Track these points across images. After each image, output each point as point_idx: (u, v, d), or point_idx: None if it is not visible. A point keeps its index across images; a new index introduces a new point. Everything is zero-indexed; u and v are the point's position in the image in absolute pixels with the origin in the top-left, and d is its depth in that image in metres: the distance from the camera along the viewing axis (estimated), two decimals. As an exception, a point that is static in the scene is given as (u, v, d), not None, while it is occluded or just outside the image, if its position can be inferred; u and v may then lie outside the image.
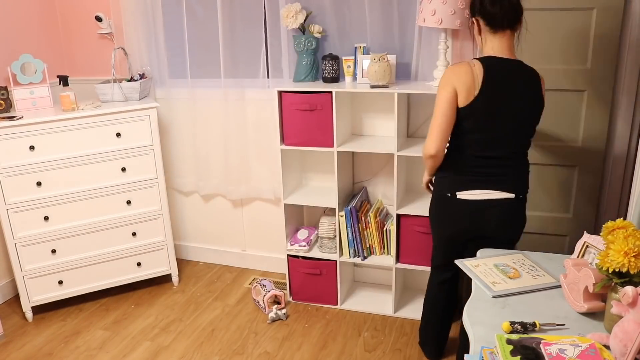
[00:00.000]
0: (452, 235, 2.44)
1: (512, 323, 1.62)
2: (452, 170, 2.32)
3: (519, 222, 2.35)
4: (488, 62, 2.18)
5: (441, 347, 2.83)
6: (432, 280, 2.71)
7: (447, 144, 2.31)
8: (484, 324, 1.68)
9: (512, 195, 2.24)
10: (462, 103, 2.19)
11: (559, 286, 1.90)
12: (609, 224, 1.66)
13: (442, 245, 2.55)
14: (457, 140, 2.29)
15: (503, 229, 2.31)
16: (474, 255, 2.13)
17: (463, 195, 2.29)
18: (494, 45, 2.22)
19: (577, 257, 1.94)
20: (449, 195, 2.33)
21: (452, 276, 2.64)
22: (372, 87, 2.92)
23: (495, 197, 2.24)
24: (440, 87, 2.22)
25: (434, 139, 2.24)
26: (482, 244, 2.18)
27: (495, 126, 2.20)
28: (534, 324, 1.62)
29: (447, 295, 2.70)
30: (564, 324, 1.65)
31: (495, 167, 2.24)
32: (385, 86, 2.91)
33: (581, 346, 1.40)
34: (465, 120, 2.22)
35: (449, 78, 2.20)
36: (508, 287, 1.89)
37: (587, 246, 1.91)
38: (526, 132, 2.26)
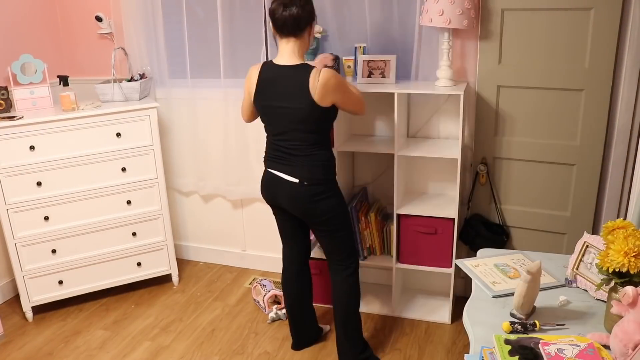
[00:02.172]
0: (267, 202, 2.73)
1: (512, 323, 1.63)
2: (265, 150, 2.66)
3: (304, 204, 2.55)
4: (264, 66, 2.52)
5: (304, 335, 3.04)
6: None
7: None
8: (484, 323, 1.69)
9: (295, 180, 2.50)
10: (251, 98, 2.57)
11: (559, 286, 1.90)
12: (609, 223, 1.66)
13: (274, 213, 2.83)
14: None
15: (291, 207, 2.59)
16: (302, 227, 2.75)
17: (268, 168, 2.64)
18: (280, 49, 2.49)
19: (577, 256, 1.94)
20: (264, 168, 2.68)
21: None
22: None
23: (284, 177, 2.54)
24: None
25: (242, 113, 2.75)
26: (287, 214, 2.67)
27: (272, 121, 2.54)
28: (534, 324, 1.63)
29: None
30: (564, 324, 1.66)
31: (284, 154, 2.54)
32: None
33: (579, 346, 1.40)
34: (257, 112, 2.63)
35: (247, 76, 2.58)
36: (508, 287, 1.89)
37: (587, 246, 1.91)
38: (300, 127, 2.46)
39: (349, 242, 2.70)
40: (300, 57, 2.46)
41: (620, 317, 1.46)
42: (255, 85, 2.51)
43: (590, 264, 1.86)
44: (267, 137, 2.63)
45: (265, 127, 2.62)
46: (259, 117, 2.63)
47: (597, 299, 1.81)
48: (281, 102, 2.45)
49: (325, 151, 2.54)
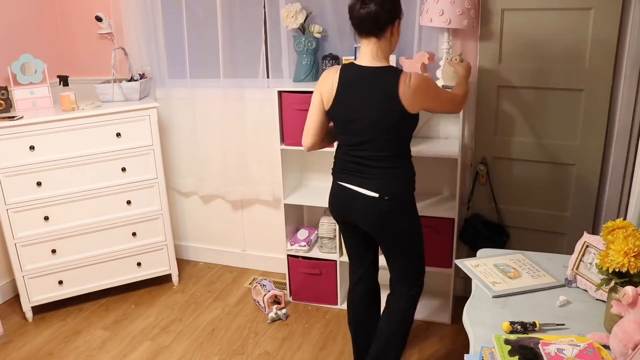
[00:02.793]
0: (337, 218, 2.51)
1: (512, 323, 1.62)
2: (335, 161, 2.43)
3: (384, 219, 2.32)
4: (344, 69, 2.27)
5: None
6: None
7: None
8: (484, 324, 1.68)
9: (375, 194, 2.26)
10: (326, 106, 2.31)
11: (559, 286, 1.90)
12: (609, 223, 1.66)
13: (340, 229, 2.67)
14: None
15: (366, 223, 2.35)
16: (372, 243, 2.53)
17: (339, 182, 2.39)
18: (360, 50, 2.27)
19: (577, 257, 1.94)
20: (333, 180, 2.45)
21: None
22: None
23: (360, 191, 2.30)
24: (314, 91, 2.34)
25: (305, 135, 2.42)
26: (358, 230, 2.43)
27: (352, 130, 2.27)
28: (534, 324, 1.62)
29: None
30: (564, 324, 1.65)
31: (361, 166, 2.29)
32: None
33: (579, 346, 1.40)
34: (332, 121, 2.38)
35: (318, 83, 2.33)
36: (508, 287, 1.89)
37: (587, 246, 1.91)
38: (384, 137, 2.23)
39: (419, 262, 2.47)
40: (385, 59, 2.22)
41: (620, 317, 1.46)
42: (335, 91, 2.24)
43: (590, 264, 1.86)
44: (339, 146, 2.39)
45: (338, 136, 2.37)
46: (334, 128, 2.37)
47: (597, 299, 1.80)
48: (364, 108, 2.20)
49: (407, 163, 2.33)
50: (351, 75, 2.23)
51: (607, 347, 1.46)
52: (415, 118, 2.23)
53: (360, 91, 2.21)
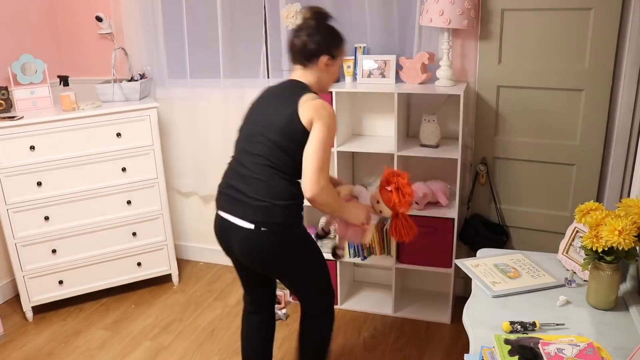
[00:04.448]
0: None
1: (512, 323, 1.63)
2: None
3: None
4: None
5: None
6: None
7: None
8: (484, 323, 1.69)
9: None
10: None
11: (559, 286, 1.90)
12: (581, 206, 1.79)
13: None
14: None
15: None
16: None
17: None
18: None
19: (568, 241, 2.04)
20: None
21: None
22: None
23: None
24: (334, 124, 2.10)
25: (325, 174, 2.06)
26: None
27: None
28: (533, 324, 1.63)
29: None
30: (563, 324, 1.66)
31: None
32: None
33: (579, 345, 1.40)
34: None
35: (335, 117, 2.14)
36: (508, 287, 1.89)
37: (577, 231, 2.01)
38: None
39: (314, 286, 2.33)
40: (307, 80, 2.17)
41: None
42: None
43: (580, 248, 1.92)
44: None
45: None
46: None
47: (584, 280, 1.88)
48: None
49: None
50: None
51: None
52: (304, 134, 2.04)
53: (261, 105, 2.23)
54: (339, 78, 2.34)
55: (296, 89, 2.13)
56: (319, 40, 2.13)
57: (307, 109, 2.04)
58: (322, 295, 2.37)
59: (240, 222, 2.10)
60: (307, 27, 2.15)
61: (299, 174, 2.08)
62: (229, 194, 2.15)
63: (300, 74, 2.19)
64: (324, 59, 2.15)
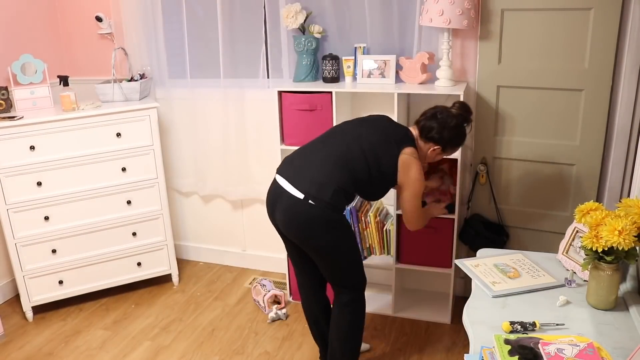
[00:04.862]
0: None
1: (512, 323, 1.63)
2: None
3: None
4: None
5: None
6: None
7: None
8: (484, 323, 1.69)
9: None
10: None
11: (559, 286, 1.90)
12: (581, 207, 1.81)
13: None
14: None
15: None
16: None
17: None
18: None
19: (568, 241, 2.05)
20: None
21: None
22: None
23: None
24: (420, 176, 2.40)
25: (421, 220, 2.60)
26: None
27: None
28: (533, 324, 1.63)
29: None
30: (563, 324, 1.66)
31: None
32: None
33: (579, 345, 1.41)
34: None
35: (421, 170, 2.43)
36: (508, 287, 1.89)
37: (577, 231, 2.02)
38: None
39: (347, 273, 2.47)
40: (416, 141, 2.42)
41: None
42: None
43: (580, 248, 1.93)
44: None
45: None
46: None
47: (584, 280, 1.88)
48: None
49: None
50: None
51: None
52: (390, 178, 2.38)
53: None
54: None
55: (406, 137, 2.37)
56: (445, 136, 2.36)
57: (404, 162, 2.33)
58: (355, 281, 2.49)
59: (292, 189, 2.27)
60: (447, 117, 2.37)
61: (361, 192, 2.40)
62: (293, 164, 2.38)
63: (416, 133, 2.42)
64: (437, 148, 2.39)
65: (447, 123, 2.36)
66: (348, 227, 2.41)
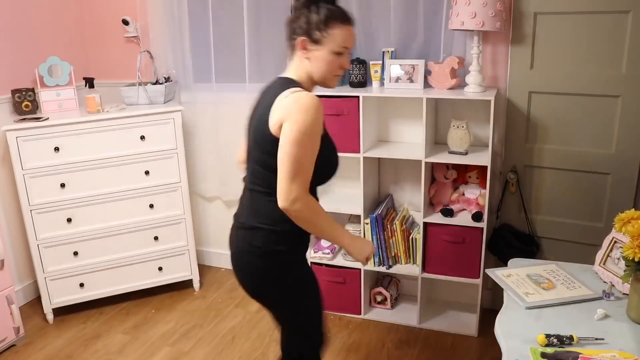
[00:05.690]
0: None
1: (547, 336, 1.54)
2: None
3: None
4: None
5: None
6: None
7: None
8: (517, 336, 1.61)
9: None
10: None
11: (596, 298, 1.81)
12: (621, 215, 1.73)
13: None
14: None
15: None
16: None
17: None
18: None
19: (605, 252, 1.97)
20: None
21: None
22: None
23: None
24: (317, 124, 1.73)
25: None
26: None
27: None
28: (571, 337, 1.54)
29: None
30: (603, 339, 1.57)
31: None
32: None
33: None
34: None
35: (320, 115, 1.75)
36: (542, 298, 1.81)
37: (615, 241, 1.93)
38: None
39: (297, 325, 1.99)
40: (293, 73, 1.86)
41: None
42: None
43: (618, 259, 1.84)
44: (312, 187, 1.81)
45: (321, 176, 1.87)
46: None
47: (624, 294, 1.79)
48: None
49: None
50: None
51: None
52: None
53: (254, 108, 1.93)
54: (343, 70, 1.88)
55: (277, 86, 1.81)
56: (299, 21, 1.83)
57: (276, 109, 1.72)
58: (305, 339, 2.01)
59: (234, 248, 1.96)
60: (292, 5, 1.87)
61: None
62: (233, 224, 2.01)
63: (290, 69, 1.88)
64: (299, 41, 1.82)
65: (295, 5, 1.86)
66: (301, 266, 1.93)
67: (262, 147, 1.77)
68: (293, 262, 1.90)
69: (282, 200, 1.69)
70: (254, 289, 1.93)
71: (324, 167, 1.82)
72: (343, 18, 1.80)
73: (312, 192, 1.83)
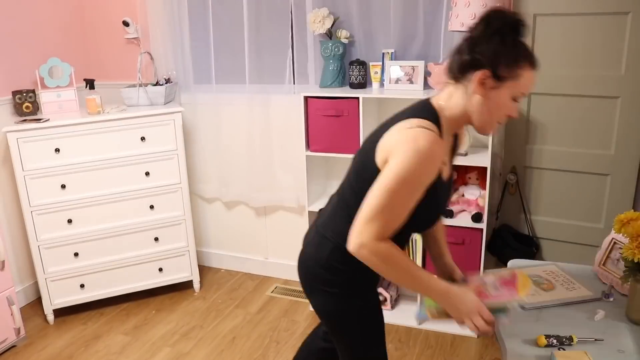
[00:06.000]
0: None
1: (547, 336, 1.55)
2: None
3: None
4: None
5: None
6: None
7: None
8: (517, 336, 1.61)
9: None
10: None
11: (595, 299, 1.82)
12: (621, 216, 1.70)
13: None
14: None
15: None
16: None
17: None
18: None
19: (605, 253, 1.95)
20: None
21: None
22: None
23: None
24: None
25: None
26: None
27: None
28: (570, 338, 1.55)
29: None
30: (602, 339, 1.57)
31: None
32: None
33: None
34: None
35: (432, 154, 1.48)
36: (542, 299, 1.81)
37: (614, 242, 1.92)
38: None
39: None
40: (444, 101, 1.56)
41: None
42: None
43: (618, 260, 1.85)
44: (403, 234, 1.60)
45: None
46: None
47: (623, 295, 1.78)
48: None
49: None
50: None
51: None
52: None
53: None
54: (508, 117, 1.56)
55: (409, 110, 1.58)
56: (482, 50, 1.47)
57: (389, 140, 1.51)
58: None
59: (304, 246, 1.81)
60: (473, 30, 1.50)
61: None
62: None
63: (444, 94, 1.58)
64: (479, 73, 1.46)
65: (474, 33, 1.49)
66: (363, 296, 1.75)
67: (362, 172, 1.60)
68: (351, 293, 1.73)
69: (350, 241, 1.50)
70: (306, 291, 1.81)
71: (422, 216, 1.58)
72: (533, 60, 1.49)
73: (402, 238, 1.62)
